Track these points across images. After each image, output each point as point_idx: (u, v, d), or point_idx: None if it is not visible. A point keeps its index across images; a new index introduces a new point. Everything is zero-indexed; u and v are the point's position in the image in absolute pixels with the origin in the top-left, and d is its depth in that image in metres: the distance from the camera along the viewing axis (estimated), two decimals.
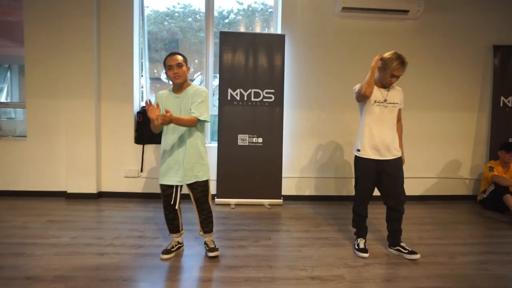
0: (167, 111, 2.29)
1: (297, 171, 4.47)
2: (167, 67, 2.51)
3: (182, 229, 2.80)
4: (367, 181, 2.84)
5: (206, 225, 2.74)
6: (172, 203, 2.61)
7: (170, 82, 2.68)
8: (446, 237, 3.32)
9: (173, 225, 2.72)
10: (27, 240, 2.92)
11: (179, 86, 2.58)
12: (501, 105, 4.54)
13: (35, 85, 4.16)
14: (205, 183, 2.65)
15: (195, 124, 2.51)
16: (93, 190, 4.23)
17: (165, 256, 2.65)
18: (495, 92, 4.55)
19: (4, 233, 3.07)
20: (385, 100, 2.75)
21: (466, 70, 4.57)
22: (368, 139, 2.77)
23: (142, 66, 4.53)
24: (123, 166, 4.32)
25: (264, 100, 4.17)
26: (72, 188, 4.21)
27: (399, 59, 2.62)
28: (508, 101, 4.54)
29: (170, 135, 2.59)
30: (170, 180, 2.59)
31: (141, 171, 4.32)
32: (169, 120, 2.30)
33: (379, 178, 2.81)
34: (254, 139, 4.17)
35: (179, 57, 2.51)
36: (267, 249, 2.92)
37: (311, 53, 4.38)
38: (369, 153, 2.77)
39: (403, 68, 2.64)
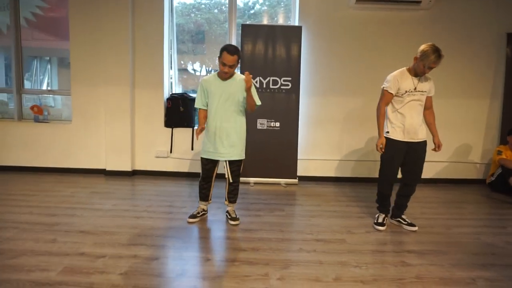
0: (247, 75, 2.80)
1: (312, 154, 4.81)
2: (222, 62, 2.81)
3: (210, 199, 3.22)
4: (394, 161, 3.00)
5: (233, 195, 3.17)
6: (210, 175, 3.06)
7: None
8: (447, 213, 3.59)
9: (204, 194, 3.14)
10: (76, 206, 3.45)
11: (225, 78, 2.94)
12: None
13: (78, 74, 4.70)
14: (241, 160, 3.08)
15: (254, 109, 3.02)
16: (128, 168, 4.76)
17: (191, 220, 3.09)
18: (507, 79, 4.68)
19: (57, 200, 3.62)
20: (415, 89, 2.93)
21: (479, 58, 4.72)
22: (398, 124, 2.96)
23: (171, 57, 4.97)
24: (154, 147, 4.81)
25: (282, 87, 4.52)
26: (110, 166, 4.75)
27: (436, 52, 2.75)
28: None
29: (220, 115, 2.92)
30: (215, 156, 2.98)
31: (171, 152, 4.80)
32: (249, 83, 2.82)
33: (404, 158, 3.01)
34: (272, 124, 4.54)
35: (235, 58, 2.80)
36: (280, 218, 3.31)
37: (326, 43, 4.67)
38: (398, 135, 2.96)
39: (439, 61, 2.80)
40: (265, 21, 5.09)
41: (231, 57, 2.78)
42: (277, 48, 4.50)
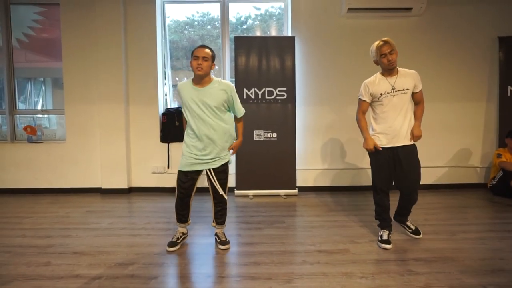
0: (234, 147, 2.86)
1: (310, 164, 4.75)
2: (194, 57, 2.59)
3: (189, 220, 2.89)
4: (382, 169, 2.85)
5: (221, 215, 2.88)
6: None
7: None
8: (451, 219, 3.52)
9: (183, 216, 2.82)
10: (71, 226, 3.36)
11: (200, 78, 2.63)
12: (509, 94, 4.67)
13: (72, 93, 4.67)
14: (227, 167, 2.82)
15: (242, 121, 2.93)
16: (124, 185, 4.67)
17: (171, 249, 2.73)
18: (502, 82, 4.69)
19: (52, 221, 3.53)
20: (393, 89, 2.77)
21: (473, 62, 4.73)
22: (379, 129, 2.83)
23: (165, 74, 4.95)
24: (151, 163, 4.74)
25: (277, 98, 4.49)
26: (106, 184, 4.67)
27: (380, 40, 2.75)
28: None
29: (200, 124, 2.66)
30: (197, 166, 2.69)
31: (168, 167, 4.72)
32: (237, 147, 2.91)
33: (394, 166, 2.84)
34: (269, 135, 4.50)
35: (207, 51, 2.59)
36: (281, 230, 3.22)
37: (320, 52, 4.67)
38: (382, 141, 2.82)
39: (387, 45, 2.70)
40: (258, 34, 5.11)
41: (203, 49, 2.59)
42: (271, 59, 4.49)
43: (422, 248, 2.76)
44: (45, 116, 5.14)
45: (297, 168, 4.55)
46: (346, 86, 4.68)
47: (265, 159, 4.48)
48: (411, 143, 2.84)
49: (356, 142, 4.74)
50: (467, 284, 2.19)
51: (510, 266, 2.43)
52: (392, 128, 2.79)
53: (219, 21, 4.96)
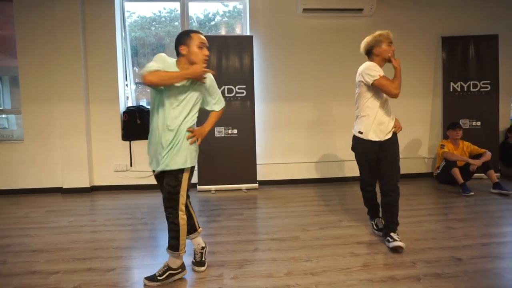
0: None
1: (270, 158, 4.94)
2: (200, 43, 2.15)
3: (199, 227, 2.51)
4: (368, 162, 2.90)
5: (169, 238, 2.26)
6: None
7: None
8: None
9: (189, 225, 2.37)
10: (30, 226, 3.37)
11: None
12: (451, 90, 5.05)
13: (29, 92, 4.59)
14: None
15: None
16: (86, 184, 4.67)
17: (202, 268, 2.36)
18: (445, 78, 5.06)
19: (10, 221, 3.51)
20: None
21: (419, 60, 5.08)
22: (374, 123, 2.76)
23: (126, 73, 4.97)
24: (113, 162, 4.76)
25: (237, 95, 4.64)
26: (67, 183, 4.65)
27: (382, 30, 2.71)
28: (457, 86, 5.04)
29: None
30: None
31: (131, 165, 4.77)
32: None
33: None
34: (230, 131, 4.64)
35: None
36: (238, 221, 3.39)
37: (277, 51, 4.86)
38: (372, 136, 2.78)
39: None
40: (223, 32, 5.24)
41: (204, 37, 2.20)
42: (230, 57, 4.63)
43: (365, 233, 3.01)
44: (3, 116, 5.02)
45: (257, 162, 4.73)
46: (302, 83, 4.90)
47: (226, 154, 4.62)
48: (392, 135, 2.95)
49: (312, 137, 4.98)
50: (399, 261, 2.44)
51: (439, 245, 2.72)
52: (385, 123, 2.86)
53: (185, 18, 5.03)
